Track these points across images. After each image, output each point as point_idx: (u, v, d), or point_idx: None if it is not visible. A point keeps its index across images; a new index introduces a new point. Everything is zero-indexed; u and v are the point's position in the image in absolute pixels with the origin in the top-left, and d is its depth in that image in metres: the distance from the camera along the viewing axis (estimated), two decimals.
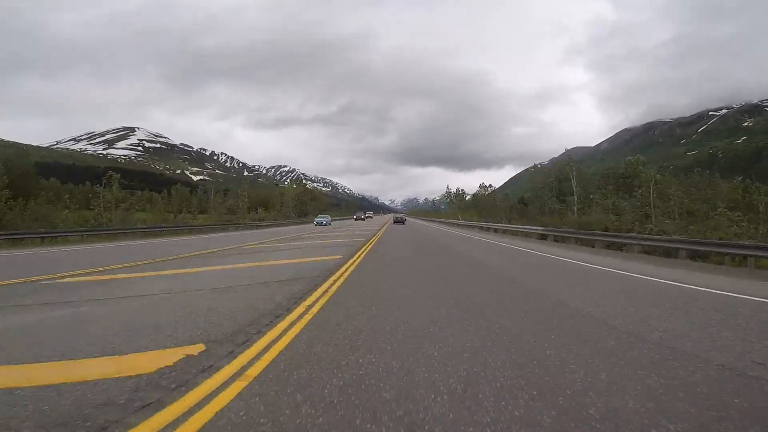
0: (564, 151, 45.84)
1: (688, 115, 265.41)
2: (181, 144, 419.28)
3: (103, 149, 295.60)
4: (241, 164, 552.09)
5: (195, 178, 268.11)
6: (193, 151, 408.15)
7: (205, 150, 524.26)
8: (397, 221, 45.52)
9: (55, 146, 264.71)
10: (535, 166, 59.59)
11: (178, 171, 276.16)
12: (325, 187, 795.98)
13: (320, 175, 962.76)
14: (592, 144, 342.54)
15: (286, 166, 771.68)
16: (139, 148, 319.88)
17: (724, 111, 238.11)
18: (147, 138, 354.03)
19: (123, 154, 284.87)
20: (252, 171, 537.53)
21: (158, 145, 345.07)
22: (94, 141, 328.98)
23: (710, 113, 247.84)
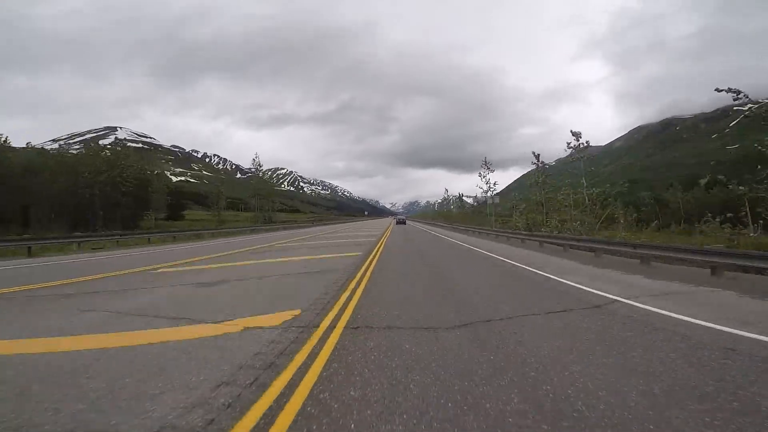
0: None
1: (709, 111, 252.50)
2: (172, 145, 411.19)
3: (76, 150, 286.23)
4: (234, 166, 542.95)
5: (175, 179, 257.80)
6: (179, 151, 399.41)
7: (196, 152, 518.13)
8: (399, 222, 59.59)
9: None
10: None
11: (157, 171, 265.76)
12: (324, 190, 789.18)
13: (319, 178, 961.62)
14: (604, 143, 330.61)
15: (283, 169, 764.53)
16: (119, 148, 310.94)
17: (751, 106, 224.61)
18: (129, 138, 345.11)
19: None
20: (246, 173, 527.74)
21: (140, 145, 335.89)
22: (72, 141, 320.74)
23: (735, 108, 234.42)
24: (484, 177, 38.64)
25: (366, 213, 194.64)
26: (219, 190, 54.77)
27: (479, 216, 49.63)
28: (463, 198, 66.03)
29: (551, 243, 15.23)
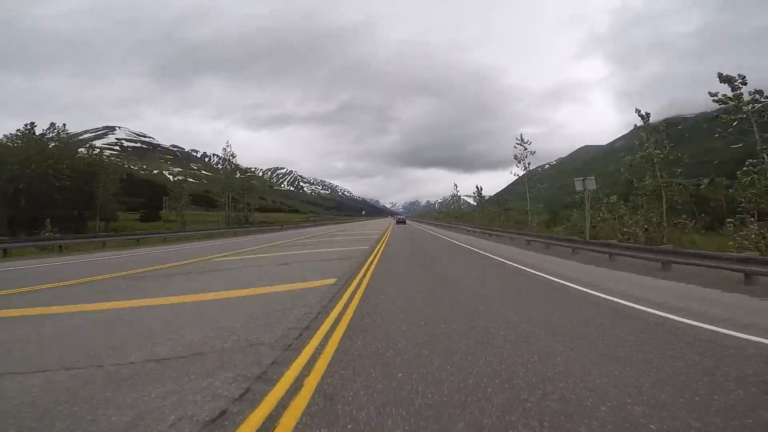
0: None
1: (711, 110, 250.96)
2: (172, 145, 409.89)
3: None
4: (233, 165, 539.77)
5: (173, 179, 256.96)
6: (178, 151, 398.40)
7: (196, 151, 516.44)
8: (399, 222, 60.87)
9: None
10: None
11: (155, 171, 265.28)
12: (324, 190, 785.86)
13: (319, 178, 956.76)
14: (605, 142, 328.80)
15: (283, 168, 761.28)
16: (116, 148, 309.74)
17: (753, 105, 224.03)
18: (127, 137, 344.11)
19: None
20: (246, 173, 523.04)
21: (138, 145, 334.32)
22: (70, 141, 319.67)
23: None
24: (521, 161, 28.52)
25: (363, 212, 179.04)
26: (181, 186, 44.47)
27: (497, 217, 37.16)
28: (469, 197, 55.30)
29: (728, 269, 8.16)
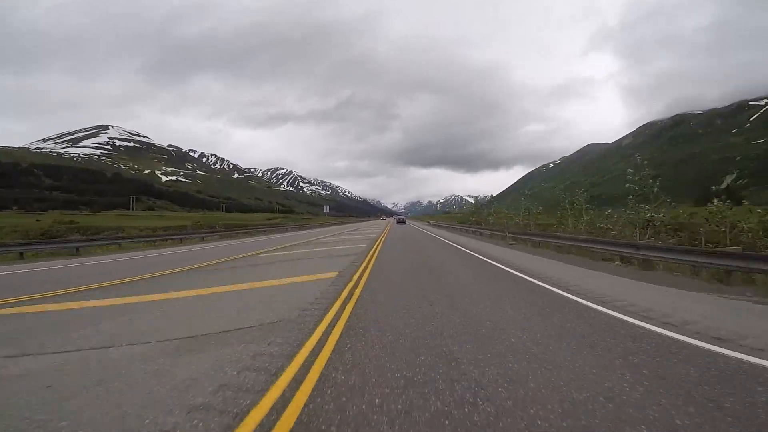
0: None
1: (722, 106, 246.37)
2: (169, 145, 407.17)
3: (63, 148, 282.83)
4: (232, 165, 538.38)
5: (165, 178, 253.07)
6: (174, 151, 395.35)
7: (193, 151, 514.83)
8: (399, 222, 61.37)
9: (10, 146, 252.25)
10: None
11: (147, 171, 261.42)
12: (325, 190, 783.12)
13: (319, 178, 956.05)
14: (612, 140, 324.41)
15: (283, 168, 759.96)
16: (108, 147, 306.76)
17: (766, 101, 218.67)
18: (120, 136, 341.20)
19: (84, 152, 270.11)
20: (244, 173, 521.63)
21: (132, 144, 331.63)
22: (61, 140, 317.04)
23: (750, 103, 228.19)
24: None
25: (325, 210, 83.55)
26: None
27: None
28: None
29: None
